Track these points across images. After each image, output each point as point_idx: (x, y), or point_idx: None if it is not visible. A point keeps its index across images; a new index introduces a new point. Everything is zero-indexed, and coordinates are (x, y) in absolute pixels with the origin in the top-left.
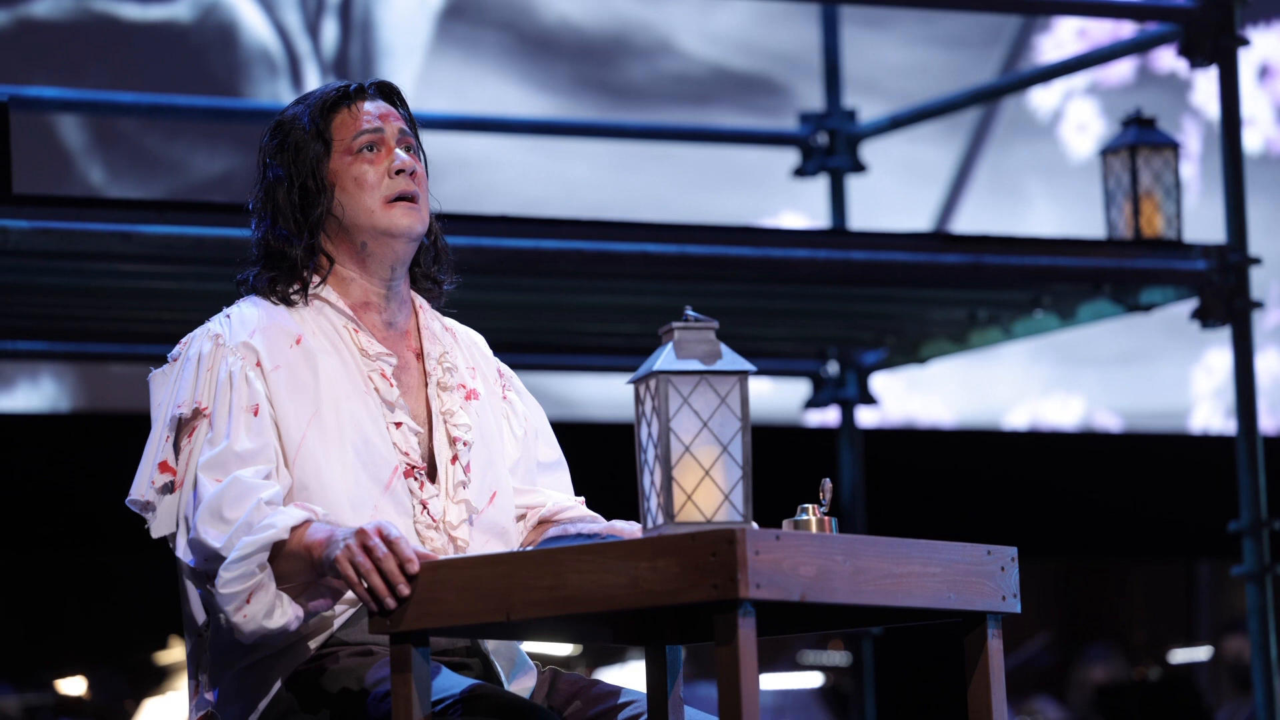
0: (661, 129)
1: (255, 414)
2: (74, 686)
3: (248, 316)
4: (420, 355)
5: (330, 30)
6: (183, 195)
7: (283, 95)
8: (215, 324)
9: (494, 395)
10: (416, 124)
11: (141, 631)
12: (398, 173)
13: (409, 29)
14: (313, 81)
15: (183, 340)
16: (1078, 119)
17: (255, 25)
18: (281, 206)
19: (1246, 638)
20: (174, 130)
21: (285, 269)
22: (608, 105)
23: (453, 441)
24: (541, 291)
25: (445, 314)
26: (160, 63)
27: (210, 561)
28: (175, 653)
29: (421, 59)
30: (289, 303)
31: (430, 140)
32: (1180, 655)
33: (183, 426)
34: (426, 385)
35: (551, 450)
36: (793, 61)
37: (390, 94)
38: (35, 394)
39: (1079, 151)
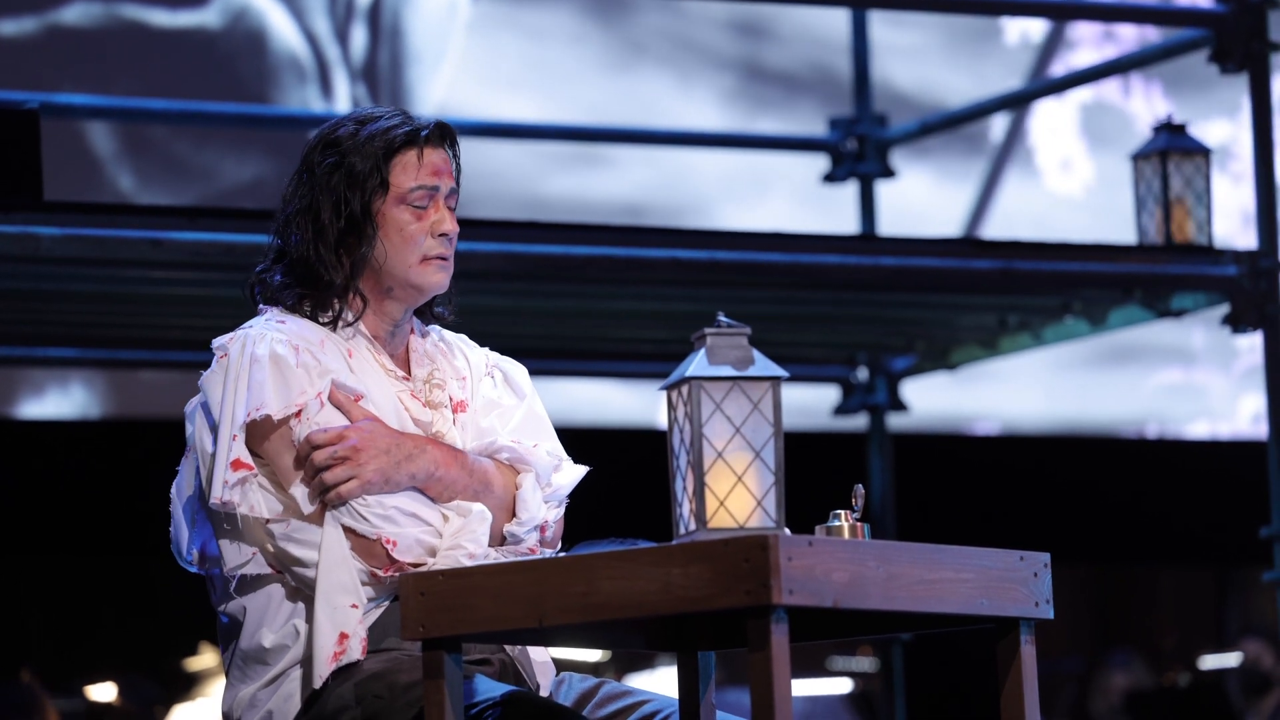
0: (689, 134)
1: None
2: (105, 693)
3: (299, 325)
4: (411, 379)
5: (359, 37)
6: (213, 202)
7: (312, 102)
8: (271, 328)
9: (479, 394)
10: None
11: (172, 637)
12: (440, 235)
13: (438, 35)
14: (341, 88)
15: (230, 338)
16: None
17: (284, 32)
18: (325, 227)
19: (1262, 642)
20: (204, 137)
21: (319, 295)
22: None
23: None
24: (572, 297)
25: (437, 321)
26: (190, 69)
27: None
28: (206, 659)
29: (450, 65)
30: (320, 323)
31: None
32: (1210, 661)
33: (286, 421)
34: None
35: (535, 429)
36: None
37: (452, 139)
38: (66, 401)
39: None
